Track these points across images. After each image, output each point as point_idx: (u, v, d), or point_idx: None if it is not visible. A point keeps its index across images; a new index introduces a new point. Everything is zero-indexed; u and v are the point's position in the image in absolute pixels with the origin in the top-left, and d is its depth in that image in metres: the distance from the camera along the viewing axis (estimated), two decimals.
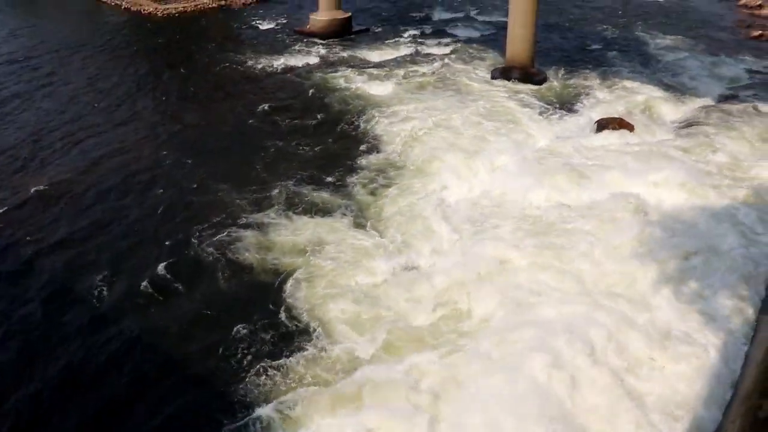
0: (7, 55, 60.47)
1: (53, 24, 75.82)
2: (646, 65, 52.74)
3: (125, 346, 23.84)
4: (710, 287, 24.42)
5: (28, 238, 30.37)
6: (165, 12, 76.49)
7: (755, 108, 41.93)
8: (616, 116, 40.85)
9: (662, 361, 21.29)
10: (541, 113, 42.48)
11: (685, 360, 21.25)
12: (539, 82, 47.98)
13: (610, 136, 38.10)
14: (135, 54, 61.73)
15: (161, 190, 34.70)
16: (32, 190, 34.21)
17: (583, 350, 21.29)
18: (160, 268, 27.86)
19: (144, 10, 78.31)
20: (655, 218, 28.87)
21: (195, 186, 35.00)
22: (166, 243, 29.89)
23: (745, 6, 72.94)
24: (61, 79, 53.87)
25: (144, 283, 26.89)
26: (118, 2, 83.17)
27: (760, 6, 71.73)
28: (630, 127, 39.11)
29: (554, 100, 45.12)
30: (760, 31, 61.78)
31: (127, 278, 27.46)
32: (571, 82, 48.59)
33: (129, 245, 30.00)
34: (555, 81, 48.75)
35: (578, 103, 44.59)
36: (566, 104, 44.54)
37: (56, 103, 48.05)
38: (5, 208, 32.51)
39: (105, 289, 26.74)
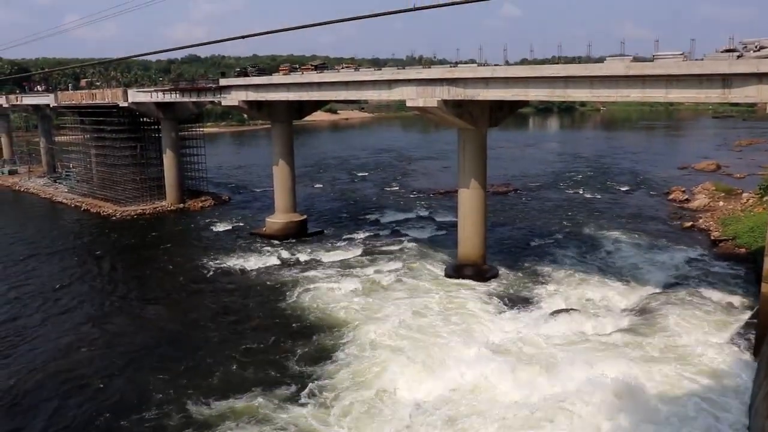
0: None
1: (12, 223, 77.83)
2: (592, 256, 55.22)
3: None
4: None
5: None
6: (124, 214, 78.56)
7: (698, 293, 43.64)
8: (569, 308, 42.06)
9: None
10: (495, 308, 43.37)
11: None
12: (492, 278, 49.43)
13: (565, 328, 38.88)
14: (90, 254, 62.63)
15: (102, 392, 33.90)
16: None
17: None
18: None
19: (103, 211, 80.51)
20: (620, 405, 28.87)
21: (138, 384, 34.37)
22: None
23: (674, 200, 78.55)
24: (12, 278, 54.58)
25: None
26: (77, 204, 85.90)
27: (687, 200, 77.27)
28: (583, 318, 40.10)
29: (507, 295, 46.25)
30: (691, 222, 65.89)
31: None
32: (523, 275, 50.23)
33: None
34: (507, 276, 50.27)
35: (531, 297, 45.78)
36: (519, 298, 45.68)
37: (6, 304, 48.27)
38: None
39: None
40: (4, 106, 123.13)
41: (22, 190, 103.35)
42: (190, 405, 31.91)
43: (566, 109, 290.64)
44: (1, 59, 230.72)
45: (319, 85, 57.43)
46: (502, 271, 51.08)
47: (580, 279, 48.54)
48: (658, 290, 45.71)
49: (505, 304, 44.11)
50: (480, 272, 49.81)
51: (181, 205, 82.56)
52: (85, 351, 39.58)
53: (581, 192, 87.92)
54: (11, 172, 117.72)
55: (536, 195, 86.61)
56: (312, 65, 66.41)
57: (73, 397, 33.66)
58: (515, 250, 58.41)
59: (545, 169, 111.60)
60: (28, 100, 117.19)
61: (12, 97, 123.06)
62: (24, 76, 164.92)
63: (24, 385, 34.85)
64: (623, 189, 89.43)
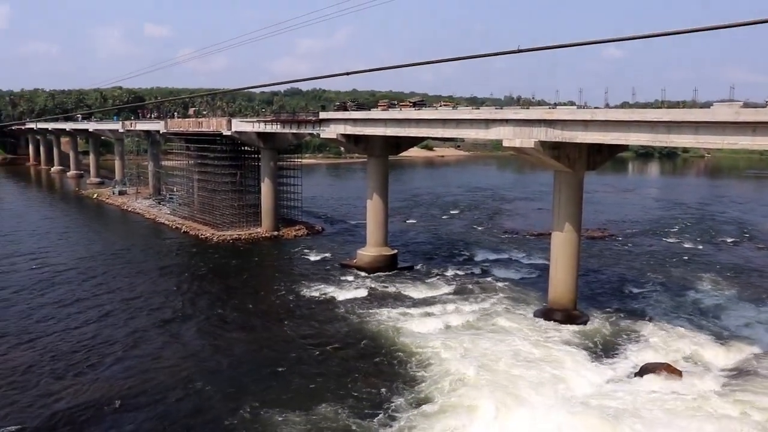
0: (69, 264, 67.93)
1: (120, 241, 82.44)
2: (689, 309, 52.74)
3: None
4: None
5: None
6: (220, 238, 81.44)
7: None
8: (662, 362, 40.20)
9: None
10: (583, 356, 41.88)
11: None
12: (581, 324, 47.96)
13: (655, 383, 37.13)
14: (188, 275, 65.40)
15: (190, 412, 34.80)
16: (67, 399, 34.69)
17: None
18: None
19: (201, 234, 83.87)
20: None
21: (226, 411, 34.82)
22: None
23: None
24: (112, 289, 58.55)
25: None
26: (178, 225, 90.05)
27: None
28: (677, 374, 38.27)
29: (597, 343, 44.72)
30: None
31: None
32: (615, 324, 48.46)
33: None
34: (598, 323, 48.65)
35: (622, 347, 44.06)
36: (609, 347, 44.07)
37: (107, 315, 51.05)
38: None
39: None
40: (119, 131, 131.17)
41: (129, 209, 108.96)
42: (264, 417, 33.46)
43: (668, 155, 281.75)
44: (121, 88, 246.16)
45: (417, 122, 57.98)
46: (593, 317, 49.52)
47: (675, 333, 46.30)
48: (762, 351, 43.09)
49: (593, 353, 42.61)
50: (570, 317, 48.48)
51: (276, 233, 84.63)
52: (172, 364, 41.36)
53: (681, 241, 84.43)
54: (121, 193, 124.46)
55: (633, 242, 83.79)
56: (410, 102, 67.30)
57: (160, 406, 35.13)
58: (607, 297, 56.56)
59: (643, 215, 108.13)
60: (141, 126, 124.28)
61: (127, 123, 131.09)
62: (139, 105, 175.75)
63: (117, 393, 36.53)
64: (728, 240, 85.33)
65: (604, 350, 43.42)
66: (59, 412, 34.36)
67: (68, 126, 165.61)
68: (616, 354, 42.83)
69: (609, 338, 45.82)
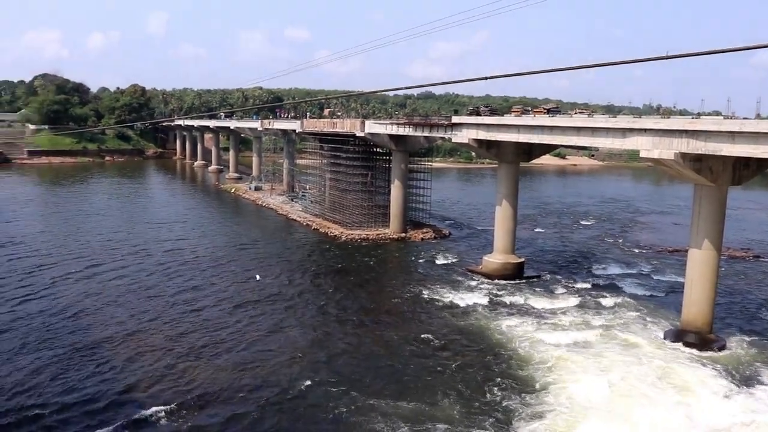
0: (201, 252, 73.34)
1: (255, 233, 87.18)
2: None
3: None
4: None
5: None
6: (349, 237, 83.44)
7: None
8: None
9: None
10: (718, 383, 39.36)
11: None
12: (718, 350, 45.15)
13: None
14: (312, 269, 68.05)
15: (302, 400, 36.13)
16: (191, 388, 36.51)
17: None
18: None
19: (330, 232, 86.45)
20: None
21: (338, 400, 35.87)
22: None
23: None
24: (239, 279, 62.41)
25: None
26: (308, 222, 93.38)
27: None
28: None
29: (734, 370, 41.86)
30: None
31: None
32: (756, 351, 45.28)
33: None
34: (736, 349, 45.68)
35: (763, 376, 40.98)
36: (748, 376, 41.14)
37: (228, 303, 54.20)
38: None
39: None
40: (258, 129, 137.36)
41: (263, 205, 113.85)
42: (375, 407, 34.41)
43: None
44: (261, 89, 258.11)
45: (550, 129, 56.81)
46: (731, 343, 46.53)
47: None
48: None
49: (730, 381, 39.88)
50: (705, 341, 45.75)
51: (403, 235, 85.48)
52: (288, 353, 43.24)
53: None
54: (257, 188, 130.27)
55: None
56: (544, 108, 65.96)
57: (273, 393, 36.75)
58: (748, 321, 52.97)
59: None
60: (279, 125, 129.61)
61: (265, 121, 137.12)
62: (277, 105, 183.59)
63: (232, 379, 38.41)
64: None
65: (741, 379, 40.60)
66: (172, 393, 36.54)
67: (212, 123, 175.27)
68: (756, 383, 39.89)
69: (748, 366, 42.83)
